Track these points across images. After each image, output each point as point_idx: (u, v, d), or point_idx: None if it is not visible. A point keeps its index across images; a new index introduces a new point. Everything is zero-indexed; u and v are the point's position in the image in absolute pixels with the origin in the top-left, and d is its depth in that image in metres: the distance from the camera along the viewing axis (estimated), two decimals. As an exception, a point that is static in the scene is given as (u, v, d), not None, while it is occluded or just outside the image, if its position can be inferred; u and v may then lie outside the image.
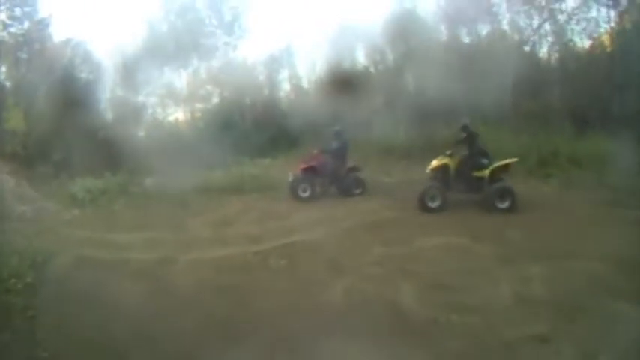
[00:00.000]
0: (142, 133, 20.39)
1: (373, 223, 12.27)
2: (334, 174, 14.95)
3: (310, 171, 14.99)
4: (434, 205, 12.96)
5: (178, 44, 21.27)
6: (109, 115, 20.59)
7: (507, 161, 13.01)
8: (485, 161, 13.01)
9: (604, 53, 18.92)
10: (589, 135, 16.34)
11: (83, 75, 20.84)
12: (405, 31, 19.76)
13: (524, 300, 8.49)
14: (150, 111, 21.61)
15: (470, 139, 13.10)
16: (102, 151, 17.69)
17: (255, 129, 20.36)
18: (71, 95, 18.76)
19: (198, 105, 22.25)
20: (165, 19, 21.76)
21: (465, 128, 13.21)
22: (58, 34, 20.44)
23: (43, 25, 19.88)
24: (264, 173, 17.18)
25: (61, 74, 19.56)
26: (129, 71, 20.54)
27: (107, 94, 20.93)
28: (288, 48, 22.31)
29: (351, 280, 9.47)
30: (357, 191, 15.03)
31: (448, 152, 13.18)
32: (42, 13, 19.70)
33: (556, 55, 19.76)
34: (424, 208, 12.90)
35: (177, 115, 22.22)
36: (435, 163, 13.25)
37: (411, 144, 17.91)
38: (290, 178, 14.97)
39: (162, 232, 12.54)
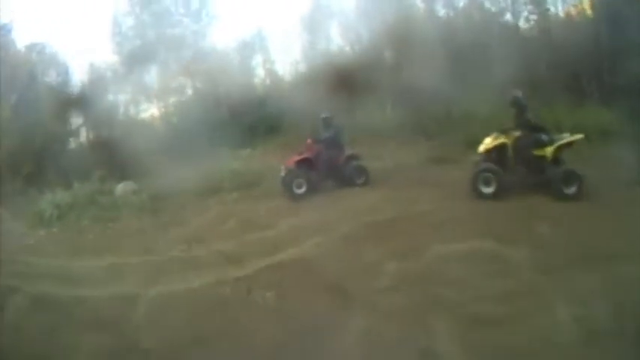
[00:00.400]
0: (114, 135, 17.52)
1: (378, 225, 9.30)
2: (332, 164, 12.29)
3: (305, 163, 12.29)
4: (488, 190, 10.10)
5: (145, 37, 18.88)
6: (79, 119, 18.34)
7: (572, 138, 10.16)
8: (545, 137, 10.16)
9: (586, 19, 16.75)
10: (587, 105, 14.17)
11: (50, 80, 18.67)
12: (379, 8, 17.63)
13: (591, 332, 5.84)
14: (122, 110, 19.22)
15: (521, 112, 10.36)
16: (74, 158, 16.15)
17: (231, 119, 17.67)
18: (39, 102, 17.05)
19: (172, 99, 19.64)
20: (131, 13, 19.31)
21: (515, 101, 10.47)
22: (21, 39, 18.63)
23: (5, 30, 17.94)
24: (244, 167, 14.48)
25: (27, 80, 17.69)
26: (97, 71, 18.60)
27: (76, 97, 18.23)
28: (260, 32, 19.80)
29: (364, 319, 6.59)
30: (360, 181, 12.22)
31: (502, 129, 10.45)
32: (3, 19, 17.55)
33: (536, 23, 17.38)
34: (478, 194, 10.09)
35: (151, 111, 19.67)
36: (489, 141, 10.38)
37: (397, 124, 15.35)
38: (282, 173, 12.24)
39: (127, 255, 9.91)
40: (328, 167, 12.15)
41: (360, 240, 8.76)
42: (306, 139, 12.56)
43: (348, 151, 12.42)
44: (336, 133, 12.36)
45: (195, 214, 11.64)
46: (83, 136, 18.07)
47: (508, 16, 17.57)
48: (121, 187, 14.30)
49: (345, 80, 15.80)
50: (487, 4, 17.85)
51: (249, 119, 17.68)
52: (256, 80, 20.15)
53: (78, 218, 12.91)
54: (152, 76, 19.35)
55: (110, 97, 18.56)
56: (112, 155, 14.90)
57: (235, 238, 9.70)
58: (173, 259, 9.28)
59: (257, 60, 20.14)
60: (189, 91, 19.45)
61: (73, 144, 17.61)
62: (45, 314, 7.93)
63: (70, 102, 17.90)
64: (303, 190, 11.88)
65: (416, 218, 9.30)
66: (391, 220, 9.38)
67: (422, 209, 9.72)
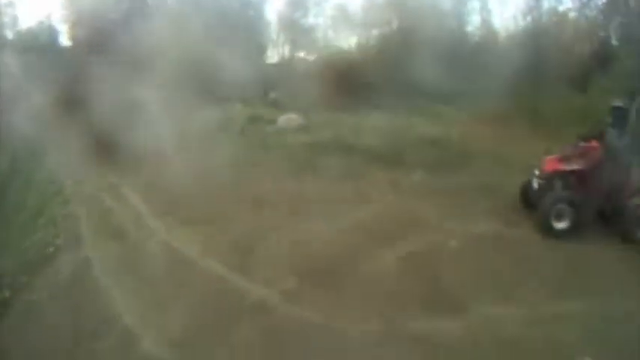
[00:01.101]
0: (306, 58, 13.38)
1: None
2: (615, 194, 5.38)
3: (576, 178, 5.50)
4: None
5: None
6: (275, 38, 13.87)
7: None
8: None
9: None
10: None
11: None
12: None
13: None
14: (320, 35, 14.03)
15: None
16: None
17: (436, 67, 10.77)
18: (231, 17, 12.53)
19: (374, 31, 13.59)
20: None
21: None
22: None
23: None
24: (443, 135, 8.17)
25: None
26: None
27: (274, 16, 14.17)
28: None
29: None
30: None
31: None
32: None
33: None
34: None
35: (351, 41, 13.83)
36: None
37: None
38: (534, 182, 5.74)
39: (217, 249, 4.99)
40: (608, 197, 5.44)
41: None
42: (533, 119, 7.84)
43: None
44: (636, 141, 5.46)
45: (352, 196, 6.06)
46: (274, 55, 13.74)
47: None
48: (285, 120, 9.87)
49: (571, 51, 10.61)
50: None
51: (457, 73, 10.79)
52: (469, 29, 13.75)
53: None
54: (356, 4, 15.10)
55: (310, 20, 13.83)
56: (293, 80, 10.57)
57: (393, 292, 4.17)
58: (256, 304, 4.22)
59: (473, 6, 13.70)
60: (394, 26, 13.35)
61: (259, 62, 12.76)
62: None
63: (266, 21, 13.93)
64: (564, 224, 5.30)
65: None
66: None
67: None
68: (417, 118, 9.08)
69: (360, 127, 8.28)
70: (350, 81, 10.16)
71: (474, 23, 13.81)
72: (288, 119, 9.58)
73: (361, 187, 6.29)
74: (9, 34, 13.27)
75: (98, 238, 5.59)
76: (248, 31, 12.70)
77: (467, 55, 11.92)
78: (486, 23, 13.65)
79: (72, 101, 9.36)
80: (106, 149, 8.10)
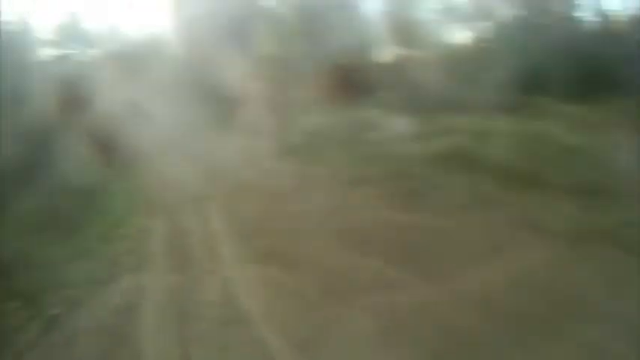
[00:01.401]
0: (412, 56, 11.36)
1: None
2: None
3: None
4: None
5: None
6: (378, 34, 12.02)
7: None
8: None
9: None
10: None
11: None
12: None
13: None
14: (426, 30, 12.18)
15: None
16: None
17: (560, 59, 9.04)
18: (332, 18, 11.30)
19: (484, 23, 11.90)
20: None
21: None
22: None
23: None
24: (586, 144, 5.83)
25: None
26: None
27: (380, 7, 12.61)
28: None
29: None
30: None
31: None
32: None
33: None
34: None
35: (460, 35, 12.31)
36: None
37: None
38: None
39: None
40: None
41: None
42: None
43: None
44: None
45: (480, 241, 3.96)
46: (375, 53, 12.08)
47: None
48: (394, 125, 8.33)
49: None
50: None
51: (587, 65, 9.01)
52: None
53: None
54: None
55: (412, 14, 12.16)
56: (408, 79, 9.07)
57: None
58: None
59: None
60: (507, 18, 11.70)
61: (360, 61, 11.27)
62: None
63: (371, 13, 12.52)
64: None
65: None
66: None
67: None
68: (545, 121, 6.98)
69: (481, 133, 6.50)
70: (464, 79, 8.79)
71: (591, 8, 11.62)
72: (397, 124, 7.93)
73: (492, 224, 4.19)
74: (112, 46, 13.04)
75: (158, 265, 4.33)
76: (354, 32, 11.33)
77: (590, 45, 9.69)
78: (600, 11, 11.36)
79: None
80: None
